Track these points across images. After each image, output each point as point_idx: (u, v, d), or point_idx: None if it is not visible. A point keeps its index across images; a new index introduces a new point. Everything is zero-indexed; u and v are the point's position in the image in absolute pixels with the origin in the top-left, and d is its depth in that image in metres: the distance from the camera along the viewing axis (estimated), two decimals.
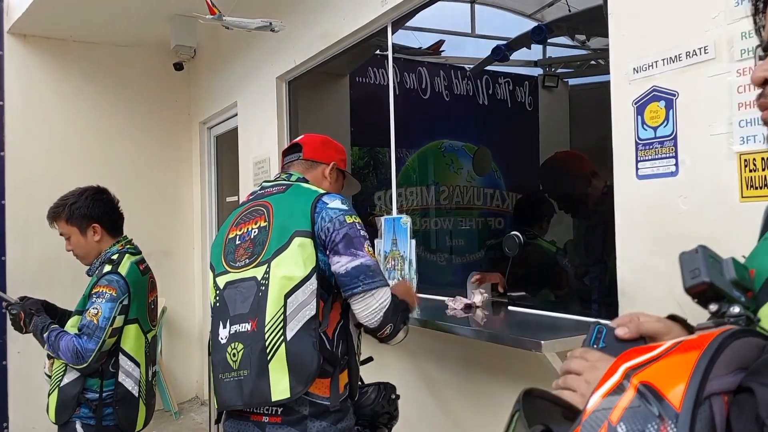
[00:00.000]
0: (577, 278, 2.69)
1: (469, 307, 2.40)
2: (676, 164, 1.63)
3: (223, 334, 1.68)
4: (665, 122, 1.65)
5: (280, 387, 1.57)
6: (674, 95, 1.64)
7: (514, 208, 4.16)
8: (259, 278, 1.64)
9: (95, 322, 2.20)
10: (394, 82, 3.34)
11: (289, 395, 1.56)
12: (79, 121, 5.03)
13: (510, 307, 2.36)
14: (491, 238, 4.27)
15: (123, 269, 2.33)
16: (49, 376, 2.42)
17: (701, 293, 0.77)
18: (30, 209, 4.58)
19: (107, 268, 2.32)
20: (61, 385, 2.27)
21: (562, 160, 3.10)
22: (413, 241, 2.88)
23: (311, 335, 1.58)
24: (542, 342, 1.73)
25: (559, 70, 4.58)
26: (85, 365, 2.19)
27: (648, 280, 1.72)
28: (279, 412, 1.61)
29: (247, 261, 1.69)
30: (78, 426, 2.26)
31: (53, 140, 4.89)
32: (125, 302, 2.29)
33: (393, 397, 1.85)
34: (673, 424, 0.54)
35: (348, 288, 1.62)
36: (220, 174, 5.54)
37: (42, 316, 2.35)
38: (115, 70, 5.23)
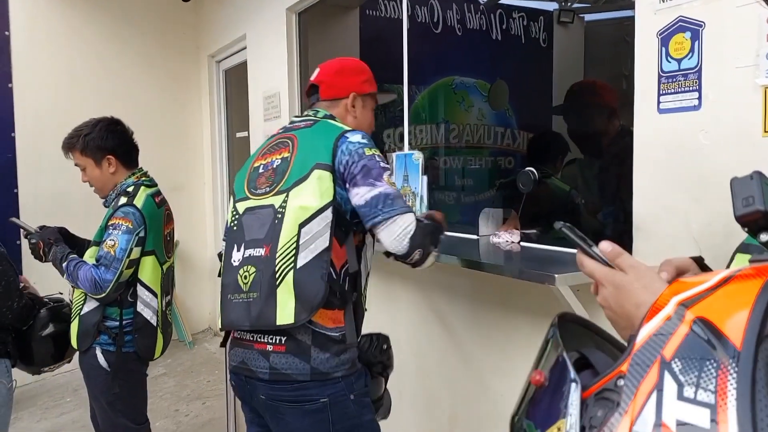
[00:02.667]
0: (591, 215, 2.69)
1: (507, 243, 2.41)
2: (699, 98, 1.60)
3: (236, 256, 1.70)
4: (690, 54, 1.61)
5: (285, 312, 1.58)
6: (701, 26, 1.59)
7: (528, 146, 4.13)
8: (277, 206, 1.65)
9: (112, 253, 2.23)
10: (407, 15, 3.26)
11: (293, 321, 1.58)
12: (86, 52, 4.97)
13: (523, 243, 2.38)
14: (501, 177, 4.25)
15: (139, 201, 2.34)
16: None
17: (753, 222, 0.72)
18: (40, 141, 4.59)
19: (123, 200, 2.33)
20: (82, 313, 2.32)
21: (598, 87, 3.00)
22: (425, 177, 2.88)
23: (322, 266, 1.59)
24: (556, 275, 1.74)
25: (575, 5, 4.45)
26: (103, 295, 2.23)
27: (664, 216, 1.72)
28: (283, 341, 1.62)
29: (267, 189, 1.70)
30: (98, 352, 2.32)
31: (60, 72, 4.84)
32: (141, 234, 2.30)
33: (385, 347, 1.84)
34: (734, 362, 0.50)
35: (369, 218, 1.62)
36: (229, 109, 5.50)
37: (61, 246, 2.36)
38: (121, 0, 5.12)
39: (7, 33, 4.55)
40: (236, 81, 5.22)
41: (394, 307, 2.99)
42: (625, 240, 1.86)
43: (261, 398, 1.69)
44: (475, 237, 2.59)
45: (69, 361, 2.57)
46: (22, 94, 4.63)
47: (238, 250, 1.70)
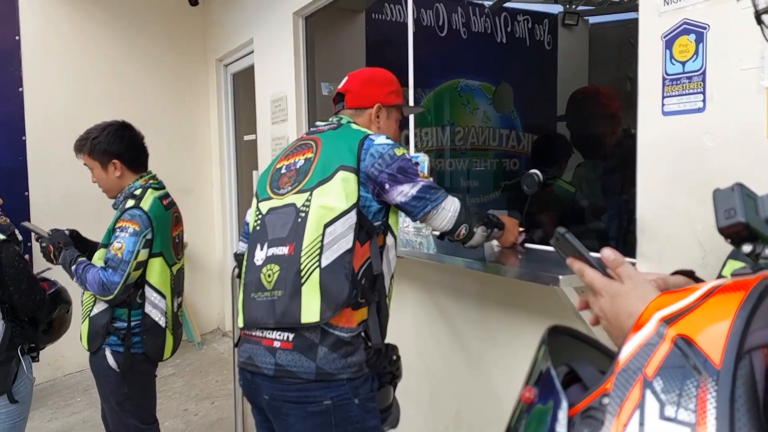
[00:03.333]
0: (595, 217, 2.70)
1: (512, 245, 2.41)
2: (704, 100, 1.62)
3: (260, 256, 1.72)
4: (694, 56, 1.63)
5: (310, 310, 1.60)
6: (705, 28, 1.61)
7: (532, 148, 4.15)
8: (299, 205, 1.68)
9: (119, 255, 2.25)
10: (412, 19, 3.29)
11: (318, 319, 1.60)
12: (96, 56, 5.01)
13: (527, 245, 2.39)
14: (506, 179, 4.27)
15: (145, 204, 2.36)
16: None
17: (736, 234, 0.73)
18: (50, 145, 4.64)
19: (130, 203, 2.36)
20: (91, 315, 2.36)
21: (599, 93, 3.02)
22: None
23: (345, 267, 1.61)
24: (560, 277, 1.75)
25: (580, 8, 4.47)
26: (111, 297, 2.26)
27: (669, 218, 1.73)
28: (291, 338, 1.63)
29: (289, 188, 1.74)
30: (108, 352, 2.35)
31: (70, 76, 4.88)
32: (148, 236, 2.33)
33: (394, 357, 1.85)
34: (714, 381, 0.51)
35: (419, 210, 1.71)
36: (237, 112, 5.53)
37: (70, 249, 2.39)
38: (131, 3, 5.17)
39: (17, 38, 4.60)
40: (244, 84, 5.25)
41: (401, 307, 3.01)
42: (628, 242, 1.88)
43: (265, 398, 1.70)
44: None
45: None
46: (32, 98, 4.68)
47: (261, 249, 1.72)
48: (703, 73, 1.62)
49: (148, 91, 5.27)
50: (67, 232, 2.49)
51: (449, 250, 2.44)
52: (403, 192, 1.69)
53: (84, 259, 2.36)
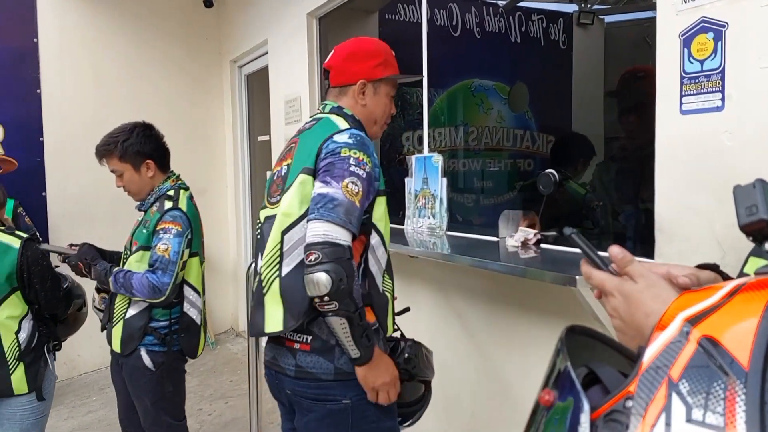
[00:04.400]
0: (612, 217, 2.68)
1: (524, 244, 2.40)
2: (723, 99, 1.60)
3: (259, 264, 1.75)
4: (713, 55, 1.61)
5: (273, 320, 1.60)
6: (724, 26, 1.59)
7: (551, 148, 4.12)
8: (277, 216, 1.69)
9: (167, 256, 2.26)
10: (426, 19, 3.28)
11: (281, 328, 1.59)
12: (112, 59, 5.05)
13: (543, 245, 2.38)
14: (521, 179, 4.25)
15: (183, 205, 2.38)
16: (100, 310, 2.52)
17: (758, 231, 0.71)
18: (67, 146, 4.69)
19: (168, 204, 2.35)
20: (126, 317, 2.34)
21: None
22: (444, 180, 2.89)
23: None
24: (577, 277, 1.74)
25: (595, 7, 4.44)
26: (163, 298, 2.26)
27: (687, 217, 1.72)
28: (309, 340, 1.63)
29: (277, 198, 1.71)
30: (143, 353, 2.34)
31: (87, 78, 4.93)
32: (189, 236, 2.35)
33: (407, 356, 1.77)
34: (742, 384, 0.49)
35: (310, 211, 1.55)
36: (251, 113, 5.56)
37: (101, 262, 2.38)
38: (146, 6, 5.21)
39: (35, 40, 4.65)
40: (258, 85, 5.27)
41: (414, 307, 3.00)
42: (647, 240, 1.87)
43: (287, 392, 1.72)
44: (495, 239, 2.60)
45: None
46: (50, 100, 4.72)
47: (260, 259, 1.74)
48: (722, 72, 1.60)
49: (164, 92, 5.31)
50: (86, 247, 2.47)
51: (463, 251, 2.43)
52: (317, 186, 1.57)
53: (119, 268, 2.36)
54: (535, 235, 2.33)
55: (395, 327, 2.00)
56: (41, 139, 4.68)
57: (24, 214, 3.89)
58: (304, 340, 1.64)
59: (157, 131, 2.51)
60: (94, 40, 4.96)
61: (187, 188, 2.50)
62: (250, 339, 2.70)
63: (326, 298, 1.47)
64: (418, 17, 3.59)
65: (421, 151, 3.33)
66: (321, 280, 1.45)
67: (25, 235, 2.31)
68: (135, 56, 5.17)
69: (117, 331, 2.36)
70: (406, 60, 3.37)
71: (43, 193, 4.66)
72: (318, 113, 1.83)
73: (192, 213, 2.41)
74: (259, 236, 1.79)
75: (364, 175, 1.58)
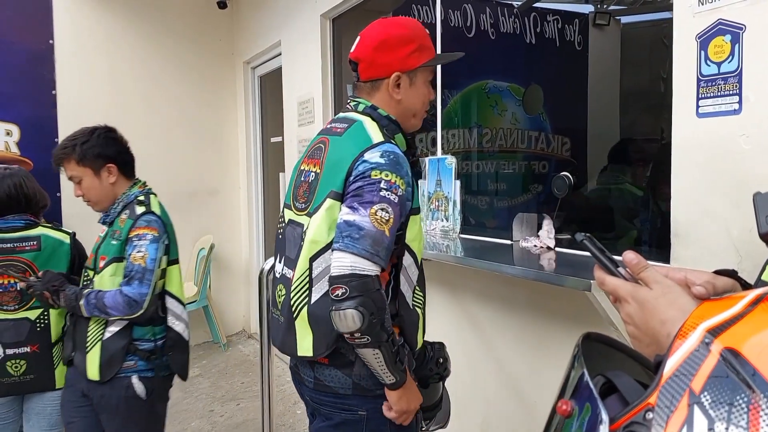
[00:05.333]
0: (628, 220, 2.65)
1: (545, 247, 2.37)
2: (740, 101, 1.57)
3: (278, 269, 1.69)
4: (730, 57, 1.59)
5: (305, 345, 1.56)
6: (741, 29, 1.56)
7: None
8: (304, 228, 1.57)
9: (143, 264, 2.06)
10: (440, 20, 3.27)
11: (311, 354, 1.54)
12: (126, 60, 5.09)
13: (557, 248, 2.36)
14: (535, 181, 4.22)
15: (155, 208, 2.19)
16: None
17: None
18: None
19: (140, 209, 2.15)
20: (104, 339, 2.10)
21: None
22: (458, 182, 2.88)
23: None
24: (592, 282, 1.72)
25: (612, 7, 4.40)
26: (141, 311, 2.06)
27: (703, 222, 1.69)
28: (327, 354, 1.56)
29: (303, 205, 1.62)
30: (135, 380, 2.12)
31: (102, 79, 4.97)
32: (166, 242, 2.18)
33: (441, 360, 1.74)
34: (765, 396, 0.48)
35: (336, 239, 1.45)
36: (264, 114, 5.57)
37: (69, 287, 2.16)
38: (160, 8, 5.24)
39: (51, 42, 4.69)
40: (271, 87, 5.29)
41: (427, 311, 2.99)
42: (663, 245, 1.84)
43: (307, 398, 1.71)
44: (509, 242, 2.58)
45: None
46: (64, 101, 4.76)
47: (280, 263, 1.69)
48: (739, 74, 1.57)
49: (177, 93, 5.34)
50: (49, 274, 2.23)
51: (477, 254, 2.42)
52: (343, 212, 1.46)
53: (89, 290, 2.12)
54: (549, 240, 2.32)
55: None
56: (56, 140, 4.71)
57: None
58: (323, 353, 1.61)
59: (121, 135, 2.30)
60: (108, 42, 5.00)
61: (155, 194, 2.29)
62: (263, 341, 2.69)
63: (357, 334, 1.40)
64: (432, 18, 3.58)
65: (434, 153, 3.32)
66: (352, 316, 1.38)
67: (70, 231, 2.42)
68: (149, 57, 5.20)
69: (93, 356, 2.10)
70: None
71: (58, 194, 4.69)
72: (349, 111, 1.68)
73: (166, 218, 2.22)
74: (281, 236, 1.72)
75: (396, 200, 1.46)
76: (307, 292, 1.53)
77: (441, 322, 2.94)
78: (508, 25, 4.17)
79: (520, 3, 4.19)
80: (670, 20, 1.77)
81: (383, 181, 1.45)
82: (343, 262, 1.40)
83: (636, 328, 0.76)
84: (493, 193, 4.13)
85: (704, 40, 1.65)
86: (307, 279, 1.53)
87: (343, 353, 1.57)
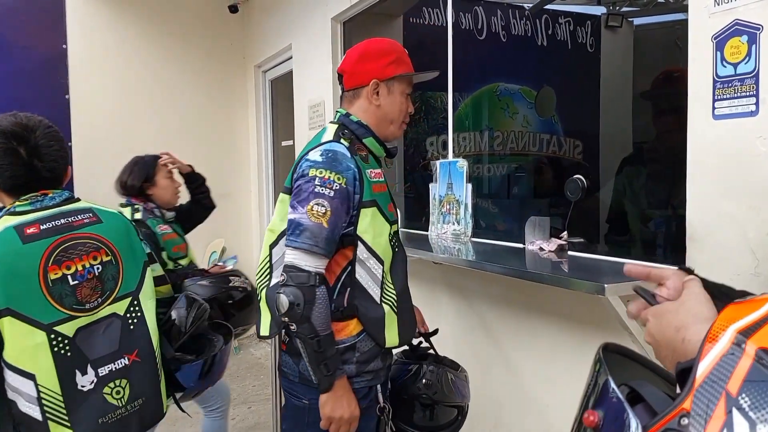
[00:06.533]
0: (642, 224, 2.62)
1: (561, 249, 2.34)
2: (757, 103, 1.55)
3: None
4: (747, 58, 1.56)
5: (265, 325, 1.75)
6: (758, 29, 1.54)
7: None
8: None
9: None
10: (451, 23, 3.26)
11: (268, 333, 1.73)
12: (138, 64, 5.13)
13: (570, 252, 2.33)
14: (547, 184, 4.20)
15: None
16: None
17: None
18: (95, 150, 4.76)
19: None
20: None
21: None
22: (469, 185, 2.86)
23: None
24: (606, 285, 1.70)
25: (624, 9, 4.37)
26: None
27: (719, 225, 1.67)
28: (287, 341, 1.72)
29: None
30: None
31: (114, 84, 5.01)
32: None
33: (424, 381, 1.80)
34: None
35: (287, 236, 1.62)
36: (275, 118, 5.58)
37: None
38: (172, 12, 5.28)
39: (64, 46, 4.74)
40: (281, 90, 5.29)
41: (437, 314, 2.98)
42: (679, 249, 1.82)
43: None
44: (520, 246, 2.56)
45: None
46: (78, 105, 4.80)
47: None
48: (756, 76, 1.55)
49: (189, 97, 5.36)
50: None
51: (489, 257, 2.40)
52: (289, 210, 1.64)
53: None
54: (556, 244, 2.30)
55: (427, 345, 2.05)
56: (69, 144, 4.75)
57: None
58: (285, 339, 1.74)
59: None
60: (120, 47, 5.04)
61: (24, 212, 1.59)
62: (273, 344, 2.69)
63: (286, 318, 1.55)
64: (443, 21, 3.58)
65: (445, 156, 3.31)
66: (281, 301, 1.55)
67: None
68: (160, 62, 5.23)
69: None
70: (431, 64, 3.35)
71: None
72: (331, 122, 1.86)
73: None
74: None
75: (332, 194, 1.58)
76: (268, 277, 1.75)
77: (452, 326, 2.92)
78: (519, 28, 4.16)
79: (531, 5, 4.17)
80: (684, 22, 1.75)
81: (317, 178, 1.59)
82: (288, 255, 1.59)
83: (654, 341, 0.75)
84: (504, 196, 4.11)
85: (720, 41, 1.63)
86: (268, 265, 1.75)
87: (296, 345, 1.65)
